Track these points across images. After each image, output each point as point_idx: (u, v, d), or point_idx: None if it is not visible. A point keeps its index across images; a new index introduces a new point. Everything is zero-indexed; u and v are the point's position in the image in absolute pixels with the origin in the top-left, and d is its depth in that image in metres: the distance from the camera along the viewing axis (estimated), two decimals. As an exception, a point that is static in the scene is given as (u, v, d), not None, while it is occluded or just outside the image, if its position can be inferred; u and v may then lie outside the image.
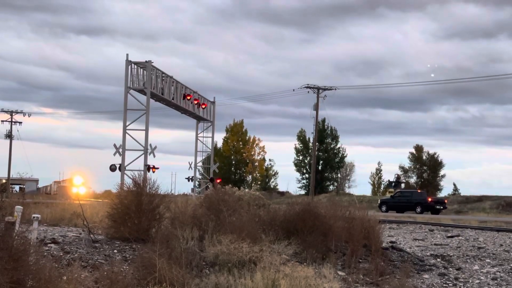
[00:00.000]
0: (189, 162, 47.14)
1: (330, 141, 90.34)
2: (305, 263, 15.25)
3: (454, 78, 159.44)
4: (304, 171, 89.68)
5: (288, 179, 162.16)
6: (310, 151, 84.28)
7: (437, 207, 52.92)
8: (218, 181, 44.00)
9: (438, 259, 19.51)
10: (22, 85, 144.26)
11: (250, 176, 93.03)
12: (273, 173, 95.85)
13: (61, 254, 13.37)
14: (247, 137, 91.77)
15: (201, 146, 48.11)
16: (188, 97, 41.80)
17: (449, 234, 25.73)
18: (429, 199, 54.59)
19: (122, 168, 34.90)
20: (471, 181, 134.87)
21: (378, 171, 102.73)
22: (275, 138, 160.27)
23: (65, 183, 72.41)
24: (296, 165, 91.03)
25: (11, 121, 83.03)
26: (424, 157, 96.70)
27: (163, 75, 38.39)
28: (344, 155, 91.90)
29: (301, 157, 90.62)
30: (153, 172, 35.93)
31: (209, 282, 12.62)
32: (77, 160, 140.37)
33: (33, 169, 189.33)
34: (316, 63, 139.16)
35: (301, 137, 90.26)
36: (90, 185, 55.92)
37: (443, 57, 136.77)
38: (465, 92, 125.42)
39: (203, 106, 45.03)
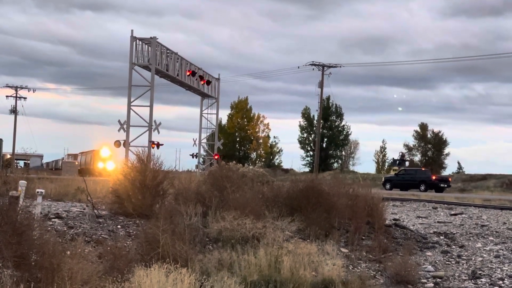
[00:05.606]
0: (193, 139, 47.19)
1: (334, 118, 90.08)
2: (308, 240, 15.29)
3: (461, 56, 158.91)
4: (309, 148, 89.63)
5: (292, 157, 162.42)
6: (314, 128, 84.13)
7: (441, 185, 52.87)
8: (216, 157, 43.49)
9: (441, 237, 19.54)
10: (25, 60, 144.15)
11: (254, 153, 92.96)
12: (278, 150, 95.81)
13: (65, 229, 13.43)
14: (251, 114, 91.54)
15: (205, 122, 48.16)
16: (192, 74, 41.66)
17: (452, 212, 25.74)
18: (433, 177, 54.52)
19: (126, 144, 34.98)
20: (475, 160, 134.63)
21: (383, 149, 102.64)
22: (280, 115, 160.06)
23: (86, 157, 71.33)
24: (300, 142, 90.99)
25: (16, 96, 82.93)
26: (428, 135, 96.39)
27: (168, 51, 38.27)
28: (349, 132, 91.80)
29: (305, 135, 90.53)
30: (157, 148, 35.96)
31: (212, 258, 12.65)
32: (81, 136, 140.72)
33: (37, 145, 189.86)
34: (321, 40, 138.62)
35: (306, 115, 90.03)
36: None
37: (450, 35, 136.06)
38: (471, 70, 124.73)
39: (202, 83, 44.72)
